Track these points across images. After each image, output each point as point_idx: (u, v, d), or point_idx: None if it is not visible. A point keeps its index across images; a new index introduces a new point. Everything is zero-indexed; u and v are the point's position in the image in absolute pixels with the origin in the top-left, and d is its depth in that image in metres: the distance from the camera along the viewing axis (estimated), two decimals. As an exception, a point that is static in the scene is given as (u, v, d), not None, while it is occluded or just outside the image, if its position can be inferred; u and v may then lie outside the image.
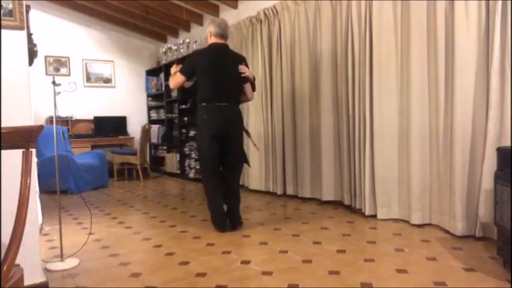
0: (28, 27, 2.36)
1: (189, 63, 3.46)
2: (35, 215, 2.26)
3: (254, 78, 3.59)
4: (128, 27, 7.40)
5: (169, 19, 6.70)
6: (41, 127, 1.25)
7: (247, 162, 3.74)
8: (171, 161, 7.05)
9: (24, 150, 1.21)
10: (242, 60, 3.51)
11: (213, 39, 3.41)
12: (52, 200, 4.99)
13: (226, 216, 3.38)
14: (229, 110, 3.38)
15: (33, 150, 1.25)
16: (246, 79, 3.46)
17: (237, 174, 3.58)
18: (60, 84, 2.92)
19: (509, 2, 2.67)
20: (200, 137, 3.45)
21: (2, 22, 2.14)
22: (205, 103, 3.35)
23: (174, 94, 6.91)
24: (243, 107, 5.37)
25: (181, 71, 3.42)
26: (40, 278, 2.26)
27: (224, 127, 3.34)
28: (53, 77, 2.94)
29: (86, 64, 7.36)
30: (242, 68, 3.41)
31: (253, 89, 3.61)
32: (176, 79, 3.45)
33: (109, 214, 4.20)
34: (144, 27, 7.34)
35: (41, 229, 3.31)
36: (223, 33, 3.41)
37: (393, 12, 3.44)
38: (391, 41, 3.46)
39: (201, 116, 3.36)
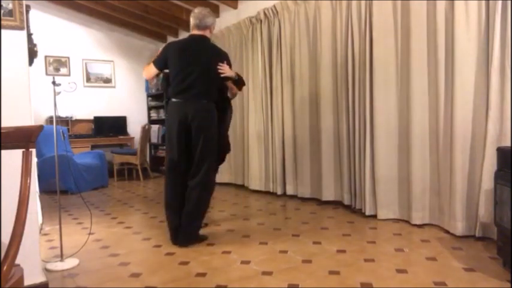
0: (28, 27, 2.36)
1: (161, 53, 3.18)
2: (35, 215, 2.26)
3: (237, 75, 3.31)
4: (128, 27, 7.40)
5: (169, 19, 6.69)
6: (41, 127, 1.25)
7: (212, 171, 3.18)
8: (171, 161, 7.04)
9: (24, 150, 1.21)
10: (222, 56, 3.18)
11: (192, 31, 3.17)
12: (52, 200, 4.99)
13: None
14: (195, 108, 3.00)
15: (33, 150, 1.25)
16: (227, 78, 3.19)
17: (199, 190, 3.03)
18: (60, 84, 2.92)
19: (509, 2, 2.68)
20: (167, 135, 3.16)
21: (2, 22, 2.14)
22: (172, 98, 3.10)
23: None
24: (241, 106, 5.40)
25: (154, 62, 3.20)
26: (40, 278, 2.26)
27: (188, 127, 3.01)
28: (53, 77, 2.94)
29: (86, 64, 7.36)
30: (222, 67, 3.10)
31: (242, 83, 3.41)
32: (148, 69, 3.21)
33: (109, 214, 4.20)
34: (144, 27, 7.34)
35: (41, 229, 3.31)
36: (199, 24, 3.11)
37: (393, 12, 3.44)
38: (391, 41, 3.46)
39: (168, 112, 3.19)
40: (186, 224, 3.02)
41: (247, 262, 2.60)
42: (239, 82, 3.40)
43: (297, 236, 3.17)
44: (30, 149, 1.22)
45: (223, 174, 5.63)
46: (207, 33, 3.18)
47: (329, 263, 2.53)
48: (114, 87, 7.65)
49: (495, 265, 2.42)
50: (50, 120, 6.77)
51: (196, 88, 3.02)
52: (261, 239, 3.10)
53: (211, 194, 3.24)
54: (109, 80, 7.60)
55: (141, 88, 7.87)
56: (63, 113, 6.80)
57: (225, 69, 3.12)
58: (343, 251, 2.75)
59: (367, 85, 3.62)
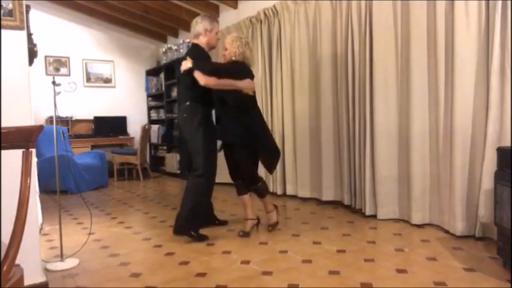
0: (28, 27, 2.37)
1: None
2: (35, 215, 2.26)
3: (196, 65, 3.05)
4: (128, 27, 7.40)
5: (169, 19, 6.70)
6: (41, 127, 1.25)
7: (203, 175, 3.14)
8: (171, 161, 7.05)
9: (24, 150, 1.21)
10: (189, 54, 3.18)
11: None
12: (52, 200, 4.99)
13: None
14: (180, 113, 3.24)
15: (33, 150, 1.25)
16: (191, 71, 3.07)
17: (190, 187, 3.16)
18: (60, 84, 2.91)
19: (509, 2, 2.67)
20: None
21: (2, 22, 2.14)
22: None
23: (174, 94, 6.91)
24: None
25: None
26: (40, 278, 2.26)
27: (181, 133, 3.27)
28: (53, 77, 2.94)
29: (86, 64, 7.36)
30: (182, 64, 3.11)
31: (206, 71, 3.06)
32: None
33: (109, 214, 4.20)
34: (144, 27, 7.34)
35: (41, 229, 3.31)
36: (192, 33, 3.31)
37: (393, 12, 3.44)
38: (391, 41, 3.46)
39: None
40: (179, 213, 3.19)
41: (247, 262, 2.60)
42: (200, 68, 3.06)
43: (297, 236, 3.17)
44: (30, 149, 1.22)
45: (223, 174, 5.61)
46: (200, 40, 3.26)
47: (329, 263, 2.53)
48: (114, 87, 7.65)
49: (495, 265, 2.42)
50: (50, 120, 6.77)
51: (181, 95, 3.33)
52: (261, 239, 3.10)
53: (207, 192, 3.25)
54: (109, 80, 7.60)
55: (141, 88, 7.87)
56: (63, 113, 6.79)
57: (184, 66, 3.08)
58: (343, 251, 2.75)
59: (367, 85, 3.62)
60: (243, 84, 3.16)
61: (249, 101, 3.26)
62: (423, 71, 3.24)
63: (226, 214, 3.97)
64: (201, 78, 3.03)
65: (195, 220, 3.15)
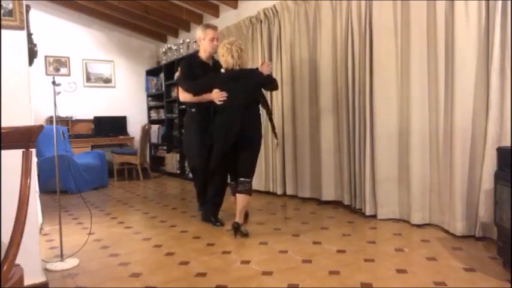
0: (28, 27, 2.36)
1: None
2: (35, 215, 2.26)
3: (177, 81, 3.75)
4: (128, 27, 7.40)
5: (169, 19, 6.70)
6: (41, 127, 1.25)
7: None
8: (171, 161, 7.05)
9: (24, 150, 1.21)
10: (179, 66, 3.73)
11: None
12: (52, 200, 4.99)
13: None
14: None
15: (33, 150, 1.25)
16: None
17: None
18: (60, 84, 2.91)
19: (509, 2, 2.67)
20: None
21: (2, 22, 2.14)
22: None
23: (174, 94, 6.91)
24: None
25: None
26: (40, 278, 2.26)
27: None
28: (53, 77, 2.94)
29: (86, 64, 7.35)
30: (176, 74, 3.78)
31: (182, 87, 3.58)
32: None
33: (109, 214, 4.20)
34: (144, 27, 7.34)
35: (41, 229, 3.31)
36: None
37: (393, 12, 3.44)
38: (391, 41, 3.46)
39: None
40: None
41: (247, 262, 2.60)
42: (180, 85, 3.66)
43: (297, 236, 3.17)
44: (30, 149, 1.22)
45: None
46: (199, 49, 3.67)
47: (329, 263, 2.53)
48: (114, 87, 7.64)
49: (495, 265, 2.42)
50: (50, 120, 6.76)
51: None
52: (261, 239, 3.10)
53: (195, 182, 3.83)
54: (109, 80, 7.60)
55: (141, 88, 7.87)
56: (63, 113, 6.78)
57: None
58: (343, 251, 2.75)
59: (367, 85, 3.62)
60: (211, 96, 3.32)
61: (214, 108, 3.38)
62: (423, 71, 3.24)
63: (226, 214, 3.97)
64: (180, 94, 3.60)
65: (201, 207, 3.79)
